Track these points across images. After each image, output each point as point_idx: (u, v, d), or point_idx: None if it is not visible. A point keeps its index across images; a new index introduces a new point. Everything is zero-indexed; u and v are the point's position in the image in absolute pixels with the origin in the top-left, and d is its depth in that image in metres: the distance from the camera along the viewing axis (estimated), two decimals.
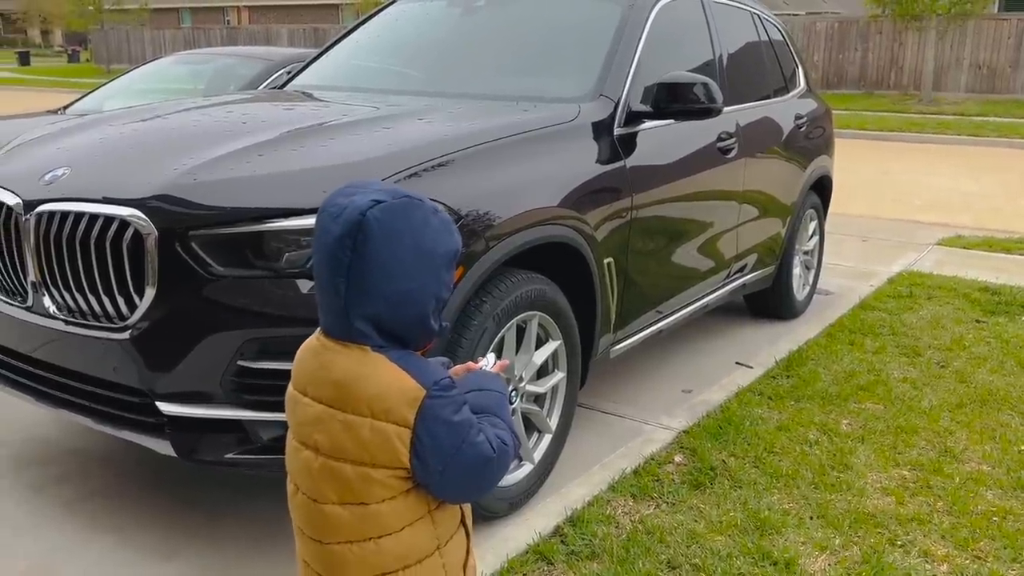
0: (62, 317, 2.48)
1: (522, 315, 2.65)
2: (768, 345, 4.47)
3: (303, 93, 3.70)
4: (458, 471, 1.32)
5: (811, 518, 2.80)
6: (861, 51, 22.63)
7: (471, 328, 2.43)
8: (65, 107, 5.97)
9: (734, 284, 4.31)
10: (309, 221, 2.23)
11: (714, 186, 3.83)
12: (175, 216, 2.30)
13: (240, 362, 2.26)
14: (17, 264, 2.57)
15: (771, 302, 4.90)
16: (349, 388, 1.30)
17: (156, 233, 2.28)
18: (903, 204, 8.85)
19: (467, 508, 1.48)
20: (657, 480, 3.03)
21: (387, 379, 1.29)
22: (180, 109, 3.15)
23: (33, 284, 2.52)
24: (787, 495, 2.94)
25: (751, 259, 4.40)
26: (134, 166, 2.50)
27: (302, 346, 1.41)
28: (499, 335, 2.56)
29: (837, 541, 2.68)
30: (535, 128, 2.89)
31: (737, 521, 2.76)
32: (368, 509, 1.32)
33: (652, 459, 3.17)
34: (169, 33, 35.53)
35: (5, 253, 2.60)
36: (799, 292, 5.05)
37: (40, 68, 36.19)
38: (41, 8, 46.10)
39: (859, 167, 11.26)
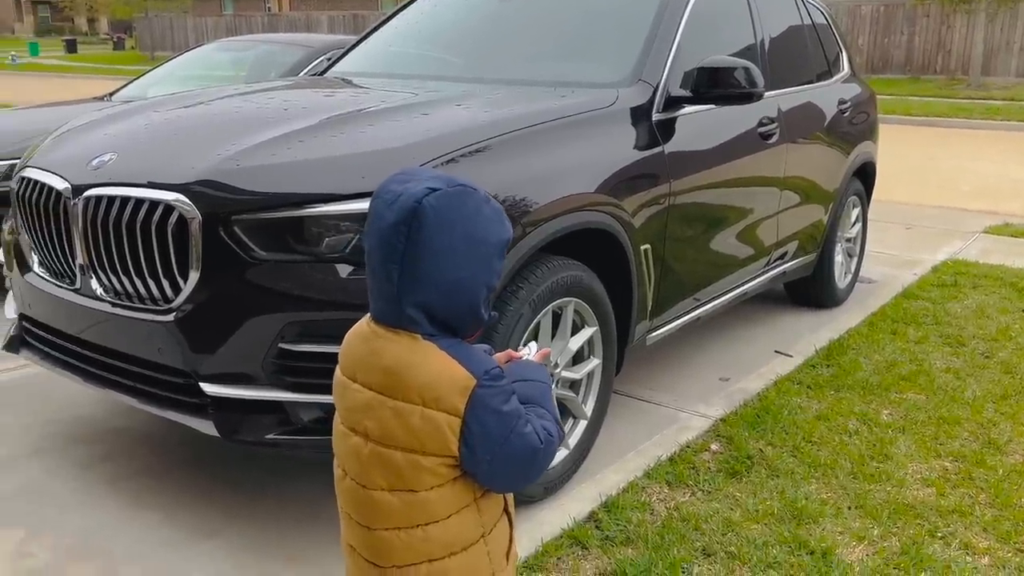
0: (109, 299, 2.54)
1: (558, 301, 2.65)
2: (808, 334, 4.42)
3: (343, 80, 3.73)
4: (505, 461, 1.32)
5: (849, 508, 2.77)
6: (907, 35, 22.14)
7: (507, 314, 2.44)
8: (111, 94, 6.07)
9: (774, 272, 4.27)
10: (349, 206, 2.26)
11: (755, 172, 3.79)
12: (218, 201, 2.34)
13: (281, 344, 2.29)
14: (66, 247, 2.63)
15: (812, 290, 4.84)
16: (400, 376, 1.31)
17: (200, 217, 2.32)
18: (949, 191, 8.67)
19: (510, 496, 1.48)
20: (693, 468, 3.02)
21: (437, 368, 1.30)
22: (223, 96, 3.19)
23: (81, 267, 2.58)
24: (825, 485, 2.92)
25: (792, 246, 4.35)
26: (178, 151, 2.55)
27: (350, 331, 1.41)
28: (535, 321, 2.57)
29: (875, 531, 2.65)
30: (573, 114, 2.88)
31: (774, 510, 2.74)
32: (416, 496, 1.33)
33: (688, 447, 3.16)
34: (211, 21, 35.96)
35: (54, 236, 2.66)
36: (841, 280, 4.98)
37: (86, 55, 36.86)
38: None
39: (904, 153, 11.03)
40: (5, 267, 3.01)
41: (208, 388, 2.37)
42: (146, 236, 2.41)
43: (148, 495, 2.82)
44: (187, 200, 2.34)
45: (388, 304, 1.32)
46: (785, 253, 4.31)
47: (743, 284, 3.97)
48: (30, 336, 2.87)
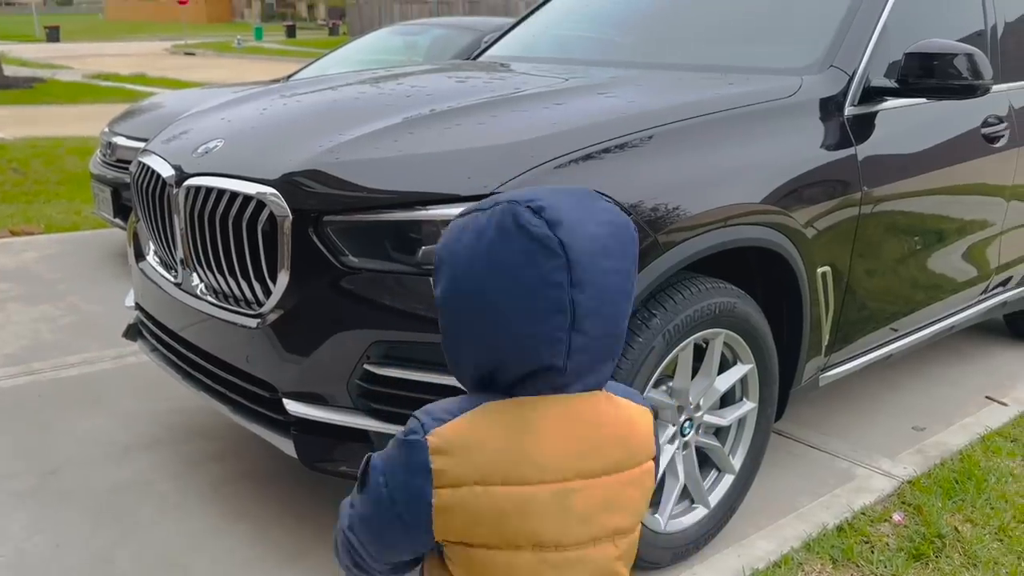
0: (205, 297, 2.36)
1: (702, 333, 2.19)
2: None
3: (489, 64, 3.41)
4: None
5: None
6: None
7: (634, 347, 2.01)
8: (288, 77, 6.12)
9: (992, 301, 3.53)
10: (447, 211, 1.92)
11: (974, 181, 3.10)
12: (311, 198, 2.08)
13: (367, 366, 2.00)
14: (170, 238, 2.48)
15: None
16: (630, 439, 1.15)
17: (291, 215, 2.06)
18: None
19: None
20: (867, 542, 2.47)
21: (639, 412, 1.18)
22: (352, 81, 2.95)
23: (181, 260, 2.42)
24: None
25: (1018, 271, 3.59)
26: (283, 141, 2.31)
27: (526, 421, 1.07)
28: (670, 356, 2.12)
29: None
30: (739, 106, 2.39)
31: None
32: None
33: (863, 514, 2.60)
34: (416, 7, 37.13)
35: (161, 226, 2.52)
36: None
37: (303, 40, 39.21)
38: None
39: None
40: (128, 255, 2.94)
41: (291, 406, 2.12)
42: (238, 232, 2.19)
43: (246, 503, 2.64)
44: (279, 196, 2.09)
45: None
46: (1008, 279, 3.56)
47: (950, 316, 3.29)
48: (143, 327, 2.77)
